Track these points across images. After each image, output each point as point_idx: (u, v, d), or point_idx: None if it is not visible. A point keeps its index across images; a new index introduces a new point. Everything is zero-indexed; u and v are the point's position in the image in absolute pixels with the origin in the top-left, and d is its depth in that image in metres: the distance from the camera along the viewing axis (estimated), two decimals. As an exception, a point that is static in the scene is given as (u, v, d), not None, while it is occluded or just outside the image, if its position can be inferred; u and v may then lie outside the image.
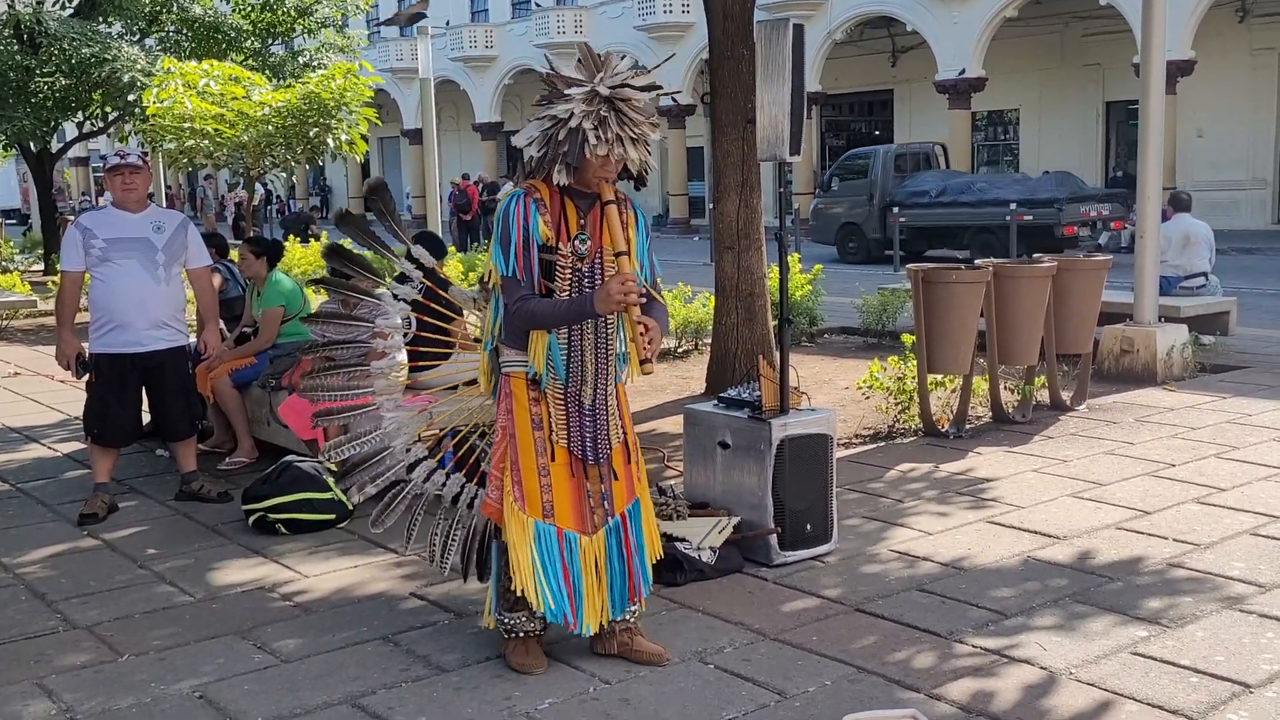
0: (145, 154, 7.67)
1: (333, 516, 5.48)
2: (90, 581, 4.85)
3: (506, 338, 3.72)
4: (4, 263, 21.46)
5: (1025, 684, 3.64)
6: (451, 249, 12.09)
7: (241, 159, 11.09)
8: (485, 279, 3.85)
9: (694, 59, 30.15)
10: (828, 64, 28.36)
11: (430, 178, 15.24)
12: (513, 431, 3.69)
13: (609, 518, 3.75)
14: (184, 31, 16.80)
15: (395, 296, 4.14)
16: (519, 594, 3.69)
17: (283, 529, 5.39)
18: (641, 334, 3.44)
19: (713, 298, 8.61)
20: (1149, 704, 3.47)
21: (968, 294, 6.94)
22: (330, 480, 5.36)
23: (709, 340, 8.75)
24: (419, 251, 4.20)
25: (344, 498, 4.50)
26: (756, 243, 7.87)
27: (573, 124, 3.46)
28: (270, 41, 17.47)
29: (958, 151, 25.51)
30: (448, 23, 38.01)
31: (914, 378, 7.09)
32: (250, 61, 15.86)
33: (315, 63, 16.55)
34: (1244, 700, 3.49)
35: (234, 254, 8.02)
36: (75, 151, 39.38)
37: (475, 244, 24.26)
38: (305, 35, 17.83)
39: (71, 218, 12.43)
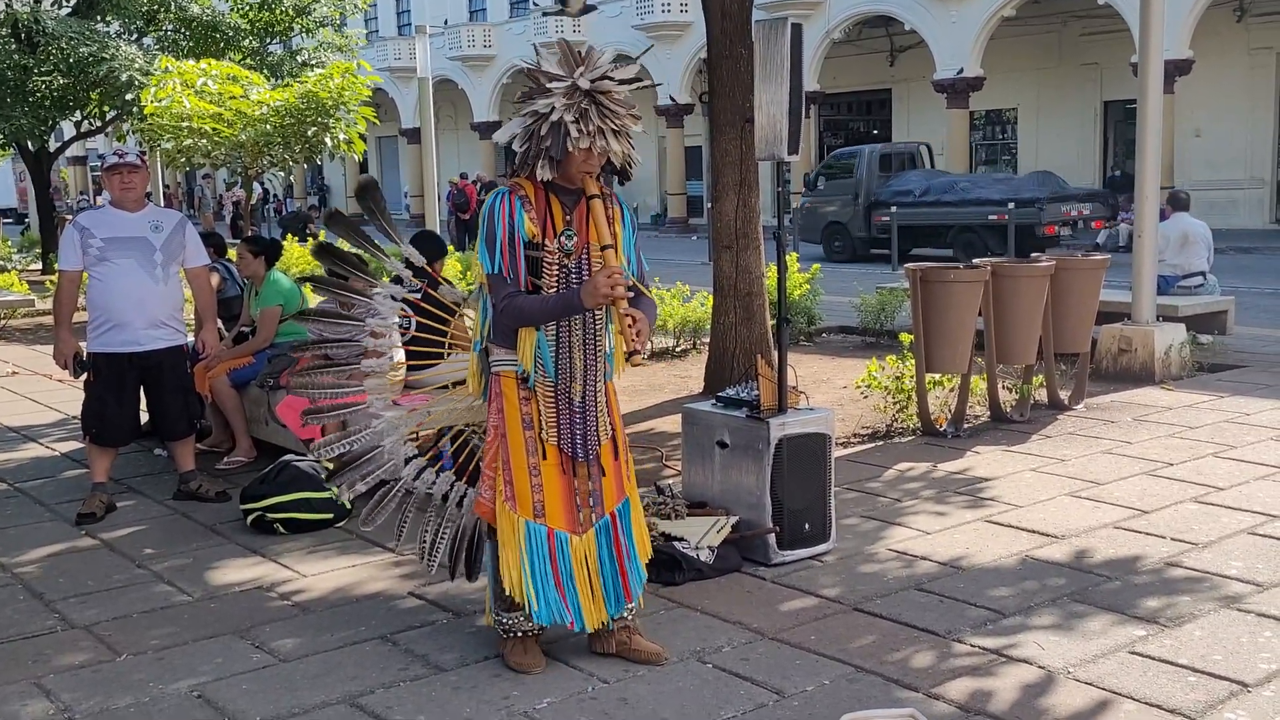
0: (143, 153, 7.67)
1: (331, 516, 5.48)
2: (88, 581, 4.85)
3: (495, 337, 3.72)
4: (2, 262, 21.45)
5: (1023, 683, 3.64)
6: (450, 248, 12.07)
7: (239, 158, 11.08)
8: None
9: (692, 58, 30.16)
10: (826, 63, 28.37)
11: (428, 177, 15.25)
12: (504, 431, 3.70)
13: (598, 517, 3.75)
14: (182, 30, 16.78)
15: (387, 296, 4.15)
16: (509, 594, 3.70)
17: (281, 528, 5.39)
18: (629, 326, 3.46)
19: (711, 297, 8.61)
20: (1147, 703, 3.48)
21: (966, 293, 6.94)
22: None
23: (707, 339, 8.75)
24: (409, 251, 4.20)
25: (342, 497, 4.50)
26: (755, 242, 7.87)
27: (554, 118, 3.48)
28: (268, 40, 17.45)
29: (956, 151, 25.55)
30: (446, 22, 38.02)
31: (912, 377, 7.10)
32: (248, 61, 15.84)
33: (313, 62, 16.54)
34: (1242, 699, 3.49)
35: (232, 253, 8.02)
36: (73, 150, 39.40)
37: (473, 243, 24.23)
38: (303, 34, 17.82)
39: (70, 217, 12.43)
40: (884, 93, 31.12)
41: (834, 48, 28.25)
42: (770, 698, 3.58)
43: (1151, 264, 8.62)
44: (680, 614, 4.28)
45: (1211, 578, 4.49)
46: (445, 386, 4.34)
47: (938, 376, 7.18)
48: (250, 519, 5.46)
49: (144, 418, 6.20)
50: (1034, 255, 8.45)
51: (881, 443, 6.86)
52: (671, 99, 31.64)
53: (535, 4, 35.25)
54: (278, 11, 16.89)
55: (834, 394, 8.22)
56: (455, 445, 4.23)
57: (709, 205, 14.55)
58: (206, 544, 5.32)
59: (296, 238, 18.46)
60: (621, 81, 3.55)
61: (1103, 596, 4.33)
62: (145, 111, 11.34)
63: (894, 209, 19.84)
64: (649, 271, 3.87)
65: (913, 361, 7.10)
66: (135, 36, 17.34)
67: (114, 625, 4.34)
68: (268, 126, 10.74)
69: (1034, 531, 5.11)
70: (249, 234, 8.79)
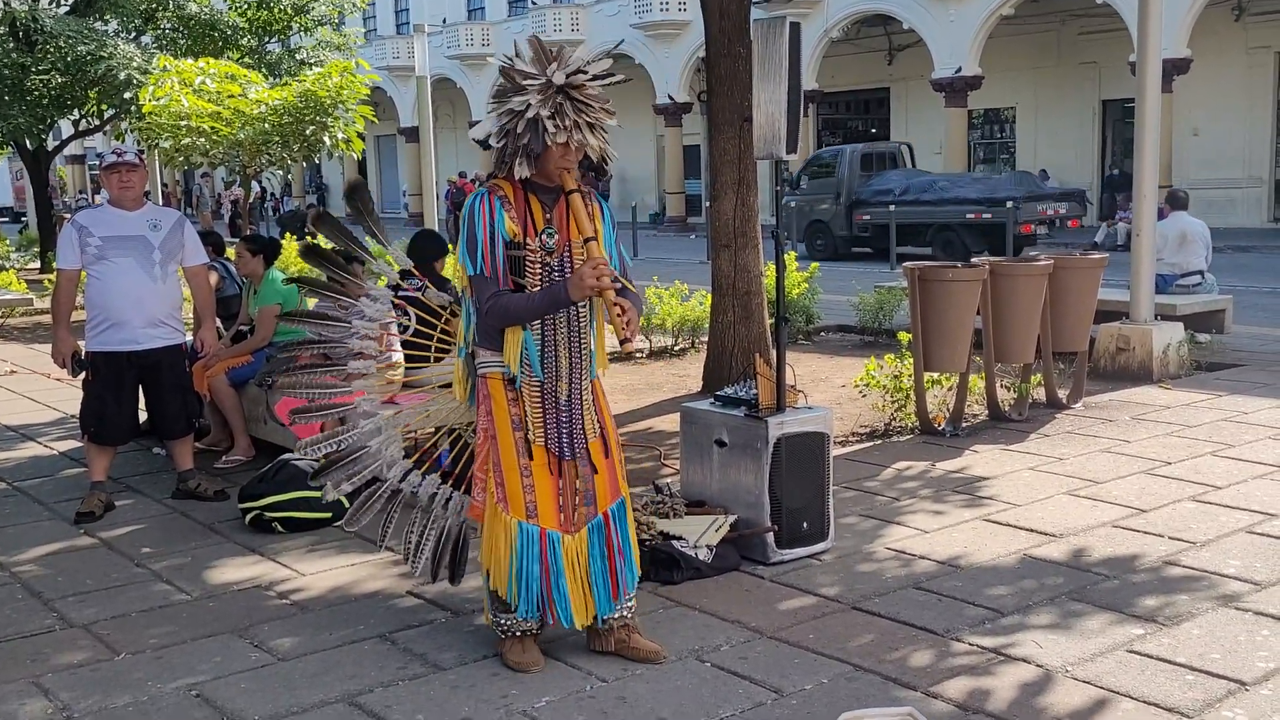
0: (141, 152, 7.67)
1: (329, 515, 5.46)
2: (87, 580, 4.84)
3: (481, 340, 3.72)
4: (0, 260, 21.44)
5: (1022, 682, 3.64)
6: (450, 247, 12.05)
7: (238, 157, 11.07)
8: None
9: (691, 57, 30.15)
10: (824, 62, 28.37)
11: (427, 175, 15.23)
12: (493, 433, 3.70)
13: (590, 516, 3.75)
14: (180, 29, 16.79)
15: (375, 298, 4.16)
16: (494, 590, 3.71)
17: (279, 527, 5.39)
18: (619, 315, 3.46)
19: (709, 296, 8.61)
20: (1145, 702, 3.48)
21: (964, 292, 6.94)
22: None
23: (705, 338, 8.76)
24: (396, 252, 4.20)
25: (327, 496, 4.50)
26: (753, 241, 7.88)
27: (530, 114, 3.49)
28: (267, 39, 17.46)
29: (954, 150, 25.57)
30: (444, 21, 38.00)
31: (910, 376, 7.10)
32: (247, 59, 15.84)
33: (312, 60, 16.54)
34: (1240, 698, 3.49)
35: (230, 252, 8.01)
36: (71, 149, 39.40)
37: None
38: (302, 33, 17.82)
39: (68, 216, 12.42)
40: (882, 92, 31.12)
41: (832, 46, 28.25)
42: (769, 696, 3.59)
43: (1150, 263, 8.63)
44: (679, 613, 4.28)
45: (1209, 576, 4.49)
46: (447, 385, 4.34)
47: (936, 375, 7.18)
48: (249, 518, 5.46)
49: (143, 417, 6.21)
50: (1033, 255, 8.45)
51: (880, 441, 6.86)
52: (670, 98, 31.65)
53: (534, 2, 35.22)
54: (276, 10, 16.90)
55: (832, 393, 8.23)
56: (455, 449, 4.23)
57: (707, 204, 14.57)
58: (205, 543, 5.32)
59: (295, 237, 18.45)
60: (595, 77, 3.57)
61: (1101, 595, 4.34)
62: (143, 110, 11.33)
63: (866, 208, 20.18)
64: (631, 267, 3.88)
65: (911, 360, 7.10)
66: (133, 35, 17.35)
67: (112, 624, 4.34)
68: (266, 125, 10.73)
69: (1032, 530, 5.12)
70: (247, 233, 8.79)
